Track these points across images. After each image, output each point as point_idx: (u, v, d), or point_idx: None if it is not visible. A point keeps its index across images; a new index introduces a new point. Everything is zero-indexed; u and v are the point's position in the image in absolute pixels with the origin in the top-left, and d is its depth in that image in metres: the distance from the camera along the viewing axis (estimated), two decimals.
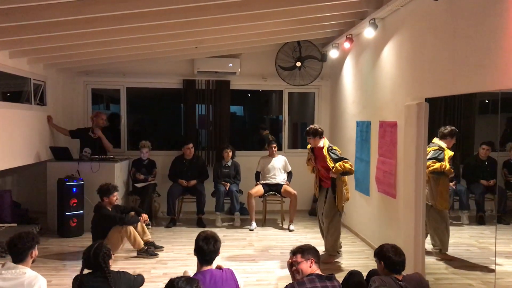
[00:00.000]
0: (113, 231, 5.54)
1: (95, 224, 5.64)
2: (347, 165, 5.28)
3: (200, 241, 3.28)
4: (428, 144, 5.17)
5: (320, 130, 5.51)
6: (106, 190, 5.63)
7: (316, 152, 5.57)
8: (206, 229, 3.96)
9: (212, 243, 3.25)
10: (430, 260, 5.04)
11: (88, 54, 6.44)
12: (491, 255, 5.24)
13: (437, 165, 5.12)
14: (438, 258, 5.36)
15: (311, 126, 5.59)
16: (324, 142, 5.49)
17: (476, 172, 6.93)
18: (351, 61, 7.06)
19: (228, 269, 3.33)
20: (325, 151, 5.41)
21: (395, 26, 5.38)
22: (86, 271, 3.38)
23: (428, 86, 4.58)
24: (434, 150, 5.28)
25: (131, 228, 5.57)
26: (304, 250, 3.29)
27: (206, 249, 3.24)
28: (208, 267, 3.25)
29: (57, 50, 5.95)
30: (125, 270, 3.61)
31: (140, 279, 3.69)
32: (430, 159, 5.13)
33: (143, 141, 7.50)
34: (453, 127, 5.47)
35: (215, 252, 3.29)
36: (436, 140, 5.44)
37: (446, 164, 5.15)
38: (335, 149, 5.46)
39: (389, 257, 3.32)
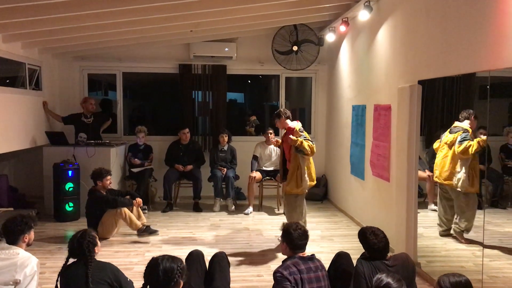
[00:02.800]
0: (107, 215, 5.57)
1: (90, 208, 5.67)
2: (305, 143, 5.06)
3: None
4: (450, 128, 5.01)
5: (284, 112, 5.42)
6: (98, 174, 5.67)
7: (285, 134, 5.40)
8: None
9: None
10: (423, 243, 5.04)
11: (83, 38, 6.41)
12: (486, 238, 5.24)
13: (462, 146, 4.81)
14: (462, 242, 5.23)
15: (279, 109, 5.52)
16: (296, 125, 5.30)
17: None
18: (347, 45, 7.01)
19: None
20: (295, 133, 5.22)
21: (390, 8, 5.32)
22: (71, 260, 3.27)
23: (420, 68, 4.55)
24: (460, 134, 4.95)
25: (125, 210, 5.60)
26: (282, 233, 3.32)
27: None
28: None
29: (51, 34, 5.92)
30: (117, 266, 3.34)
31: (131, 284, 3.33)
32: (461, 141, 4.87)
33: (139, 126, 7.50)
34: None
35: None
36: (458, 123, 5.09)
37: (473, 144, 4.82)
38: (304, 134, 5.28)
39: (369, 244, 3.29)
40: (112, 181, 6.71)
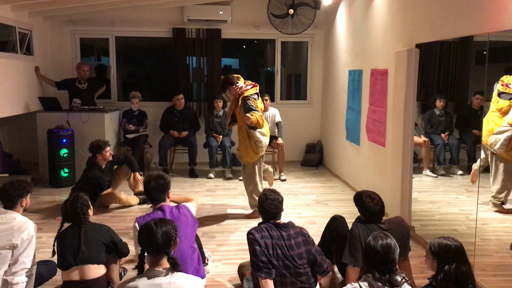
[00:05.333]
0: (102, 199, 5.58)
1: (81, 186, 5.41)
2: (259, 120, 4.89)
3: (144, 182, 3.40)
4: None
5: (232, 78, 5.06)
6: (97, 147, 5.45)
7: (238, 102, 5.11)
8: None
9: (153, 182, 3.31)
10: (417, 207, 5.09)
11: (74, 1, 6.25)
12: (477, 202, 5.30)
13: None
14: (497, 210, 4.95)
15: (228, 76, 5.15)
16: (249, 91, 5.02)
17: (469, 122, 6.89)
18: (344, 8, 6.89)
19: (184, 205, 3.39)
20: (241, 98, 4.99)
21: None
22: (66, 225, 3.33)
23: (418, 31, 4.49)
24: None
25: (121, 195, 5.60)
26: (258, 202, 3.32)
27: (148, 187, 3.33)
28: (162, 204, 3.32)
29: None
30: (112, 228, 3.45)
31: (126, 245, 3.48)
32: None
33: (133, 92, 7.40)
34: None
35: (159, 189, 3.32)
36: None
37: None
38: (251, 101, 4.98)
39: (365, 207, 3.29)
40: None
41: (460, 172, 6.66)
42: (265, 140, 5.19)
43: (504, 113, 4.62)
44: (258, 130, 5.05)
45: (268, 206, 3.18)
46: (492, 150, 4.80)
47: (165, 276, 2.39)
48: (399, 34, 4.92)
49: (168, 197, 3.41)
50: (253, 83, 5.18)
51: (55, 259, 3.28)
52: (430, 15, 4.22)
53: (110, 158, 5.59)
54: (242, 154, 5.24)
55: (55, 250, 3.22)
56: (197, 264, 3.27)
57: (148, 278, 2.38)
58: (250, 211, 5.42)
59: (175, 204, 3.41)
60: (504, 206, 4.99)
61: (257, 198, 4.97)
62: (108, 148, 5.54)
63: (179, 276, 2.42)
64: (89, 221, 3.27)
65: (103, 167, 5.58)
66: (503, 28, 3.19)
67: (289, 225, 3.20)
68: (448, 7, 3.90)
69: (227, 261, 4.12)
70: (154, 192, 3.31)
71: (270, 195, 3.23)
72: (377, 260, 2.46)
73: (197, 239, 3.56)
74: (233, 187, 6.71)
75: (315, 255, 3.19)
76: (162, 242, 2.44)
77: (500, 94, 4.65)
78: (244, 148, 5.15)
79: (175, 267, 2.43)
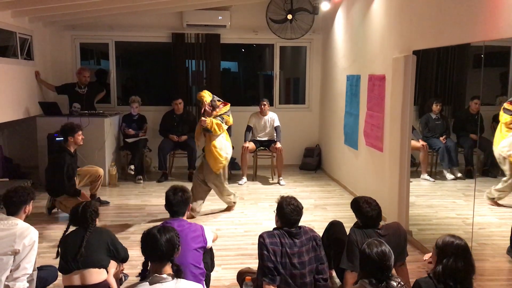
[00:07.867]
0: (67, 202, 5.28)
1: (50, 173, 5.33)
2: (215, 121, 5.31)
3: (168, 193, 3.37)
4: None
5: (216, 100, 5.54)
6: (70, 128, 5.27)
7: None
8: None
9: (180, 194, 3.33)
10: (415, 211, 5.13)
11: (74, 7, 6.28)
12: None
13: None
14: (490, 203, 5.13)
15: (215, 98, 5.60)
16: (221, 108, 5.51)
17: (466, 126, 6.94)
18: (342, 13, 6.94)
19: (200, 225, 3.38)
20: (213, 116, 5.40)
21: None
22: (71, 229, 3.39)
23: (415, 38, 4.54)
24: None
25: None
26: (276, 206, 3.25)
27: (173, 200, 3.32)
28: (179, 218, 3.34)
29: (41, 1, 5.79)
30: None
31: (126, 250, 3.53)
32: None
33: (132, 96, 7.44)
34: None
35: (183, 203, 3.34)
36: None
37: None
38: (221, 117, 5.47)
39: (362, 212, 3.31)
40: (107, 152, 6.73)
41: (459, 174, 6.69)
42: (228, 153, 5.59)
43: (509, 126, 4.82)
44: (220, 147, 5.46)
45: (290, 211, 3.13)
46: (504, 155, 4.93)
47: (169, 282, 2.41)
48: (396, 41, 4.98)
49: (188, 210, 3.45)
50: (224, 102, 5.61)
51: (55, 263, 3.32)
52: (427, 23, 4.27)
53: (81, 143, 5.42)
54: (210, 163, 5.49)
55: (59, 251, 3.27)
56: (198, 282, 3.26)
57: (151, 284, 2.40)
58: (250, 216, 5.47)
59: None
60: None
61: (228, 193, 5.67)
62: (80, 132, 5.38)
63: (182, 283, 2.45)
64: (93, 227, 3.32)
65: (73, 151, 5.36)
66: (497, 37, 3.25)
67: (302, 232, 3.17)
68: (444, 15, 3.95)
69: (226, 266, 4.15)
70: (179, 205, 3.32)
71: (292, 201, 3.18)
72: (373, 267, 2.50)
73: (208, 265, 3.47)
74: (232, 191, 6.73)
75: (321, 260, 3.18)
76: (166, 250, 2.48)
77: (504, 109, 4.79)
78: (209, 157, 5.47)
79: (179, 273, 2.46)
